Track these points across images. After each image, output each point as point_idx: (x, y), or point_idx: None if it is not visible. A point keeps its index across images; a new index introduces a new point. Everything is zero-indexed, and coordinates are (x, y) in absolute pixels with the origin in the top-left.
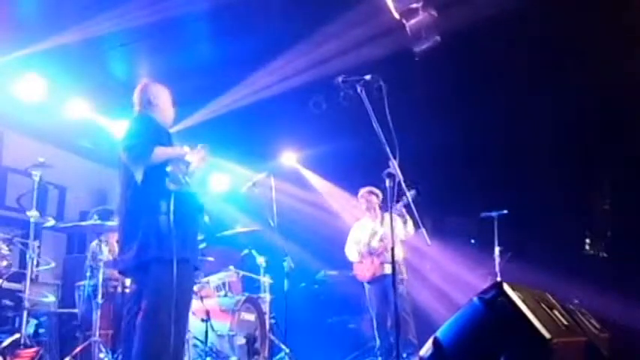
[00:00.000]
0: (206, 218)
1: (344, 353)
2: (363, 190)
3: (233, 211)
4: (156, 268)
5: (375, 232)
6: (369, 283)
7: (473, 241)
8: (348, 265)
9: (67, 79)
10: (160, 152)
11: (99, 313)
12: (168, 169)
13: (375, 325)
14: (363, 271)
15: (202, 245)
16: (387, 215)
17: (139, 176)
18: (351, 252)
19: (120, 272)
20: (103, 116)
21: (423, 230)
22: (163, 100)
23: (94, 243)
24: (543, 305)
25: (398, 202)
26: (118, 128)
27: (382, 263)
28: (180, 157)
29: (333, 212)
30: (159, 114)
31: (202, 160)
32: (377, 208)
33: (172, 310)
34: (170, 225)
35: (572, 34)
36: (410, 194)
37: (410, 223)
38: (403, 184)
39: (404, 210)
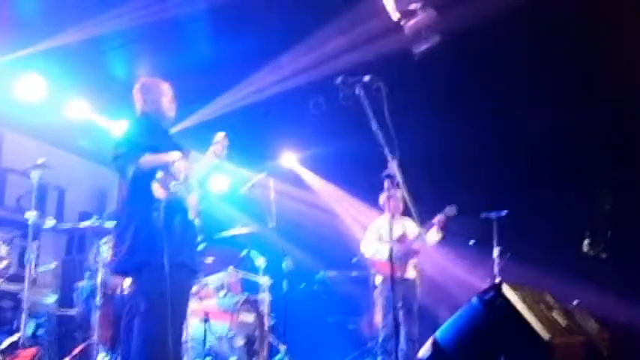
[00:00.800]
0: (197, 221)
1: (343, 353)
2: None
3: (232, 211)
4: (147, 272)
5: (403, 234)
6: (389, 281)
7: (472, 241)
8: (348, 266)
9: (67, 79)
10: (148, 160)
11: (98, 314)
12: (159, 175)
13: (383, 323)
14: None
15: (202, 246)
16: (407, 221)
17: (127, 183)
18: (378, 249)
19: (114, 273)
20: (102, 117)
21: (423, 231)
22: (162, 97)
23: (95, 246)
24: (542, 306)
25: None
26: (118, 129)
27: (407, 265)
28: (169, 164)
29: (332, 213)
30: (160, 113)
31: (214, 154)
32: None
33: (168, 312)
34: (161, 229)
35: (572, 34)
36: (451, 209)
37: (441, 233)
38: (402, 184)
39: (441, 223)
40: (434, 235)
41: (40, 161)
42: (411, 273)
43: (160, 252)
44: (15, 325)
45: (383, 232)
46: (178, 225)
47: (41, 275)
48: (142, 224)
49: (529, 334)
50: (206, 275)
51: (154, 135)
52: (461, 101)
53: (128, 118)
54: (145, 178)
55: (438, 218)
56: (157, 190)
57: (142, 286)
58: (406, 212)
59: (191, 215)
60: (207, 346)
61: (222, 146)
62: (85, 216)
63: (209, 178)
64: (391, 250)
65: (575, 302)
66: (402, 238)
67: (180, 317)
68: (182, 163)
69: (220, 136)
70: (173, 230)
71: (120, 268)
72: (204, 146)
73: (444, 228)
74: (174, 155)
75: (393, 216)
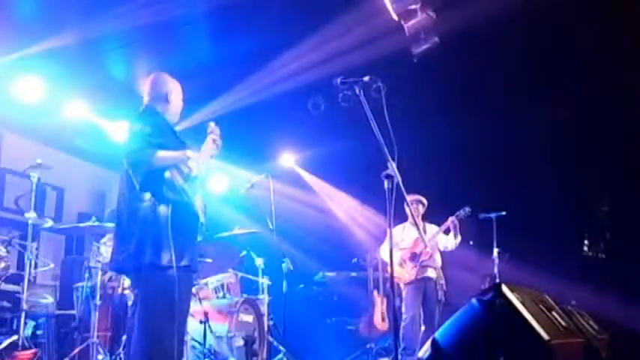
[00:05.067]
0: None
1: (342, 354)
2: (411, 198)
3: (231, 212)
4: (151, 274)
5: (417, 238)
6: (406, 285)
7: (471, 242)
8: (347, 266)
9: (66, 80)
10: (162, 157)
11: (97, 314)
12: (167, 175)
13: (403, 325)
14: (403, 273)
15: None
16: (428, 225)
17: (136, 181)
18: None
19: (112, 270)
20: (101, 118)
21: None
22: (175, 95)
23: (94, 247)
24: (542, 306)
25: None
26: (117, 129)
27: (423, 267)
28: (182, 162)
29: (331, 213)
30: (169, 109)
31: (215, 145)
32: (421, 217)
33: (172, 314)
34: (168, 231)
35: (572, 36)
36: (465, 211)
37: (459, 237)
38: (402, 186)
39: (457, 224)
40: (452, 239)
41: (38, 162)
42: (430, 273)
43: (166, 253)
44: (14, 326)
45: (399, 239)
46: (183, 226)
47: (40, 276)
48: (148, 224)
49: (529, 334)
50: (205, 276)
51: (162, 131)
52: (460, 102)
53: (134, 113)
54: (154, 175)
55: (453, 221)
56: (165, 193)
57: (145, 287)
58: (405, 213)
59: (201, 218)
60: (207, 346)
61: (216, 135)
62: (84, 216)
63: (209, 178)
64: (391, 252)
65: (573, 303)
66: (416, 243)
67: (182, 318)
68: (193, 163)
69: (212, 125)
70: (178, 231)
71: (123, 268)
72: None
73: (457, 229)
74: (187, 153)
75: (417, 224)
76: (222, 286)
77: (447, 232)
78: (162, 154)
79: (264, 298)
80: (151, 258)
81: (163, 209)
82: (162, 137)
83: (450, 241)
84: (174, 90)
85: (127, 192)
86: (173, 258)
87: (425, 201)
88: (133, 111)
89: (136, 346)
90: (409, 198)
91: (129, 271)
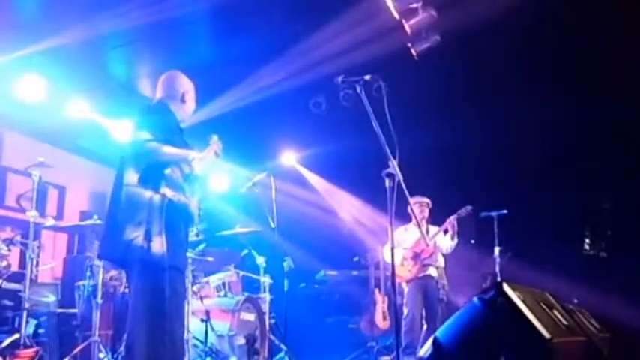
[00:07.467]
0: (195, 230)
1: (344, 353)
2: (421, 200)
3: (233, 211)
4: (142, 271)
5: (419, 238)
6: (407, 283)
7: (472, 241)
8: (348, 265)
9: (67, 79)
10: (166, 151)
11: (99, 313)
12: (167, 171)
13: (404, 323)
14: (404, 271)
15: (202, 246)
16: (430, 227)
17: (135, 174)
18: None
19: (100, 258)
20: (102, 116)
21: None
22: (190, 96)
23: (96, 245)
24: (543, 305)
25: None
26: (119, 128)
27: (425, 266)
28: (184, 160)
29: (332, 212)
30: (182, 109)
31: (215, 154)
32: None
33: (163, 314)
34: (162, 228)
35: (572, 34)
36: (466, 209)
37: (456, 239)
38: (403, 184)
39: (456, 224)
40: (448, 240)
41: (40, 160)
42: (431, 271)
43: (158, 251)
44: (16, 324)
45: (402, 239)
46: (177, 225)
47: (42, 274)
48: (142, 218)
49: (530, 333)
50: (206, 275)
51: (170, 129)
52: (461, 101)
53: (143, 104)
54: (155, 170)
55: (450, 222)
56: (163, 189)
57: (135, 284)
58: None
59: (195, 220)
60: (208, 345)
61: (218, 147)
62: (85, 215)
63: (209, 178)
64: (392, 251)
65: (574, 301)
66: (418, 243)
67: (175, 316)
68: (197, 164)
69: (215, 138)
70: (171, 230)
71: (114, 258)
72: (204, 146)
73: (458, 231)
74: (192, 154)
75: (421, 226)
76: (224, 284)
77: (446, 232)
78: (167, 148)
79: (266, 296)
80: (142, 254)
81: (158, 205)
82: (170, 134)
83: (446, 242)
84: (190, 90)
85: (123, 187)
86: (165, 256)
87: (431, 204)
88: (143, 103)
89: (128, 344)
90: (418, 200)
91: (122, 263)
